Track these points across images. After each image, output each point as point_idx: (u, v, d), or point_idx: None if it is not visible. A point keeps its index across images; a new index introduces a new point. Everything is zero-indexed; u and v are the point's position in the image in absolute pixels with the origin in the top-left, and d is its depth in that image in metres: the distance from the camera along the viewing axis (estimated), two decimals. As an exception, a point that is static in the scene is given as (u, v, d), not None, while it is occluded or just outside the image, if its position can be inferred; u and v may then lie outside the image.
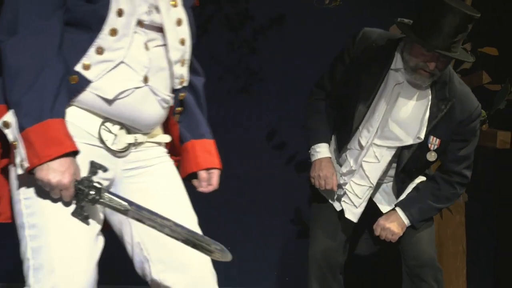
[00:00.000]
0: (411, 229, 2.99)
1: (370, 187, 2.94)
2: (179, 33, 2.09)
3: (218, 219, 4.62)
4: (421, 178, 3.06)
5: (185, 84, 2.16)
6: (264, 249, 4.64)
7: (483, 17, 2.93)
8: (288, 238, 4.65)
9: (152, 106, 2.05)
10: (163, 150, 2.19)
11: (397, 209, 2.97)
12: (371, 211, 3.05)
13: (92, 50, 1.93)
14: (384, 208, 3.03)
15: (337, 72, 3.04)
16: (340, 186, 3.00)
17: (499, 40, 3.29)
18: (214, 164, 2.37)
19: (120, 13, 1.94)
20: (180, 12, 2.09)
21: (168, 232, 2.01)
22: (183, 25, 2.10)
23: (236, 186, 4.63)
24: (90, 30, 1.93)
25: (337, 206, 3.04)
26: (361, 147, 2.93)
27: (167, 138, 2.18)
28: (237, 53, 4.56)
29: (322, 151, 3.06)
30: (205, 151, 2.33)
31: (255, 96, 4.61)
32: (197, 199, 4.68)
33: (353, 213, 2.97)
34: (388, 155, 2.91)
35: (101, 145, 2.01)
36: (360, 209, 2.97)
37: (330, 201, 3.06)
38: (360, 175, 2.94)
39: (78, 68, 1.93)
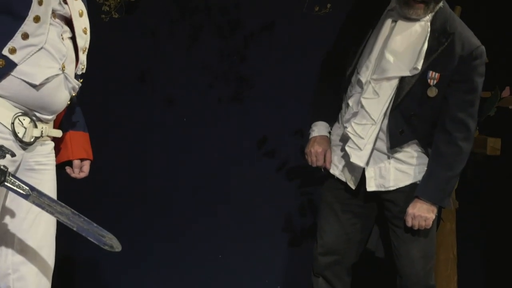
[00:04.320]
0: (405, 243, 2.94)
1: (373, 124, 2.85)
2: (82, 23, 2.37)
3: (208, 226, 4.61)
4: (418, 150, 2.94)
5: (84, 71, 2.43)
6: (255, 257, 4.62)
7: (473, 24, 2.93)
8: (279, 246, 4.63)
9: (64, 93, 2.31)
10: (52, 146, 2.44)
11: (416, 198, 2.88)
12: (378, 212, 2.99)
13: (18, 36, 2.15)
14: (370, 186, 2.94)
15: (339, 41, 3.04)
16: (344, 134, 2.92)
17: (489, 47, 3.29)
18: (87, 156, 2.60)
19: (40, 2, 2.18)
20: (81, 5, 2.38)
21: (65, 220, 2.20)
22: (84, 16, 2.38)
23: (226, 194, 4.62)
24: (17, 17, 2.15)
25: (342, 177, 2.97)
26: (362, 87, 2.88)
27: (60, 133, 2.43)
28: (227, 61, 4.55)
29: (318, 129, 3.06)
30: (81, 142, 2.57)
31: (246, 104, 4.60)
32: (187, 207, 4.69)
33: (358, 157, 2.88)
34: (387, 88, 2.83)
35: (10, 137, 2.23)
36: (366, 152, 2.87)
37: (335, 174, 2.98)
38: (361, 114, 2.86)
39: (5, 52, 2.15)
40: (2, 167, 2.14)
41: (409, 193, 2.95)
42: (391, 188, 2.93)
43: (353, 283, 3.11)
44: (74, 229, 2.22)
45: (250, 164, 4.62)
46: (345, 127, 2.92)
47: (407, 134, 2.87)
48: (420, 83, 2.81)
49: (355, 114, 2.88)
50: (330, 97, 3.07)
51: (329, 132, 3.08)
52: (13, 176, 2.19)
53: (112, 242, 2.25)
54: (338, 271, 3.04)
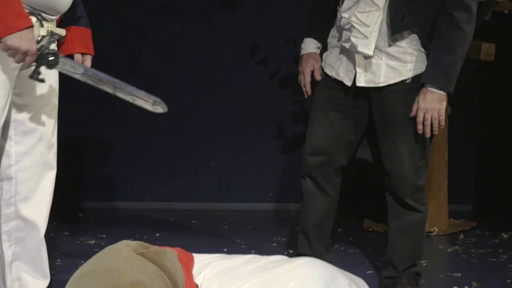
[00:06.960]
0: (394, 145, 2.92)
1: (377, 10, 2.82)
2: None
3: (200, 134, 4.63)
4: (412, 46, 2.88)
5: None
6: (247, 165, 4.65)
7: None
8: (272, 154, 4.66)
9: None
10: (55, 43, 2.47)
11: (424, 89, 2.81)
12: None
13: None
14: (360, 82, 2.89)
15: None
16: (344, 25, 2.88)
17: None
18: (88, 50, 2.63)
19: None
20: None
21: (119, 93, 2.32)
22: None
23: (219, 102, 4.62)
24: None
25: (338, 77, 2.94)
26: None
27: (64, 32, 2.46)
28: (219, -35, 4.49)
29: (305, 46, 3.05)
30: (83, 37, 2.60)
31: (239, 11, 4.55)
32: (179, 115, 4.67)
33: (365, 45, 2.84)
34: None
35: None
36: (372, 40, 2.84)
37: (332, 75, 2.97)
38: (364, 2, 2.82)
39: None
40: (54, 50, 2.27)
41: (405, 95, 2.93)
42: (381, 84, 2.89)
43: (343, 184, 3.09)
44: (126, 99, 2.33)
45: (243, 73, 4.60)
46: (344, 18, 2.87)
47: (408, 20, 2.84)
48: None
49: (356, 2, 2.85)
50: (325, 8, 3.02)
51: (318, 47, 3.06)
52: (64, 57, 2.30)
53: (158, 103, 2.37)
54: (327, 172, 3.02)
